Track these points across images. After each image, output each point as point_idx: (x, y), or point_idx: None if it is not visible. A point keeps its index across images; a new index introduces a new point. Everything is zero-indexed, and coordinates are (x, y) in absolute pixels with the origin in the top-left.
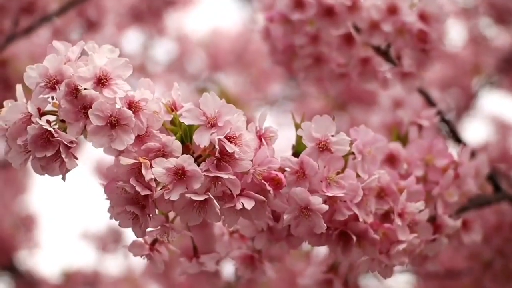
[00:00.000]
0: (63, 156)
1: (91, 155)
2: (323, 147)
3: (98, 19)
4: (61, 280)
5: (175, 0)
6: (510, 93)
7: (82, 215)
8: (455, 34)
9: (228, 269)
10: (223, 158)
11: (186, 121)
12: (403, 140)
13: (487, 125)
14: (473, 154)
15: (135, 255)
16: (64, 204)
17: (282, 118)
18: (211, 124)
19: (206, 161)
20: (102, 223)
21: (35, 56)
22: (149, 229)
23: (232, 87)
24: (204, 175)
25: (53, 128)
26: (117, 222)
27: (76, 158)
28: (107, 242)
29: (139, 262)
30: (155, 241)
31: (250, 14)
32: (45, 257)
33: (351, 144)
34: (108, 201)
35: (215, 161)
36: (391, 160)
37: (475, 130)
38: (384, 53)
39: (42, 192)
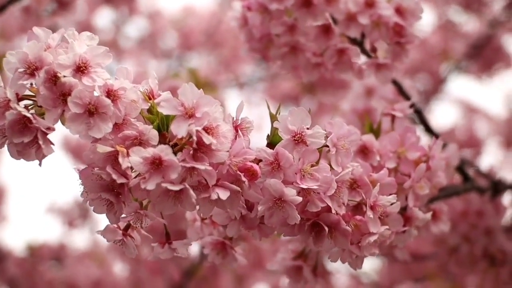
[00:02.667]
0: (40, 142)
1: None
2: (298, 140)
3: None
4: (26, 253)
5: None
6: (477, 78)
7: (49, 189)
8: (424, 19)
9: (193, 249)
10: (200, 149)
11: (164, 111)
12: (376, 131)
13: (455, 109)
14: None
15: (108, 240)
16: (32, 177)
17: (253, 97)
18: (189, 115)
19: (182, 151)
20: (69, 197)
21: (6, 35)
22: (123, 216)
23: (203, 66)
24: (181, 165)
25: (32, 115)
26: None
27: (53, 144)
28: (74, 217)
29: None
30: (128, 227)
31: None
32: (12, 230)
33: (326, 137)
34: (83, 186)
35: (191, 152)
36: (364, 151)
37: (443, 114)
38: (359, 45)
39: (9, 166)
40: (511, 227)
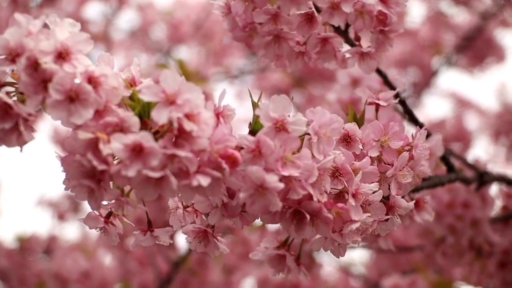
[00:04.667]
0: (21, 128)
1: (49, 123)
2: (280, 127)
3: None
4: (15, 245)
5: None
6: (469, 72)
7: (39, 182)
8: (415, 11)
9: (182, 241)
10: (181, 136)
11: (145, 97)
12: (360, 120)
13: (447, 102)
14: (428, 134)
15: (90, 228)
16: (22, 170)
17: (244, 90)
18: (170, 102)
19: (163, 138)
20: (60, 190)
21: None
22: (104, 202)
23: (193, 59)
24: (162, 152)
25: (13, 101)
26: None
27: (34, 131)
28: (64, 210)
29: (95, 231)
30: (109, 214)
31: None
32: (3, 223)
33: (308, 124)
34: (64, 173)
35: (172, 138)
36: (347, 140)
37: (435, 107)
38: (343, 34)
39: None
40: (498, 218)
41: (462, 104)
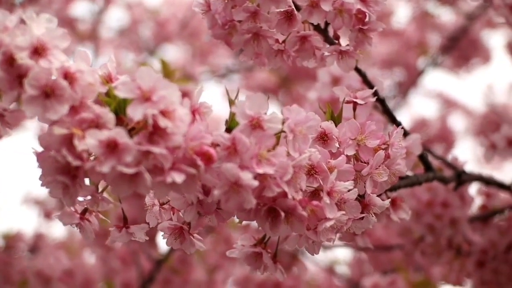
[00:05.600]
0: None
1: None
2: (255, 125)
3: None
4: (1, 243)
5: None
6: (454, 73)
7: (26, 180)
8: (401, 11)
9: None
10: (156, 132)
11: (121, 94)
12: (337, 118)
13: (433, 102)
14: (407, 133)
15: (65, 224)
16: (8, 168)
17: (231, 89)
18: (146, 98)
19: (138, 134)
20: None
21: None
22: (80, 199)
23: (180, 58)
24: (136, 148)
25: None
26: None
27: (11, 126)
28: (51, 208)
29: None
30: (85, 211)
31: None
32: None
33: (283, 122)
34: (40, 169)
35: (147, 135)
36: (324, 138)
37: (421, 107)
38: (322, 32)
39: None
40: (476, 217)
41: (449, 104)
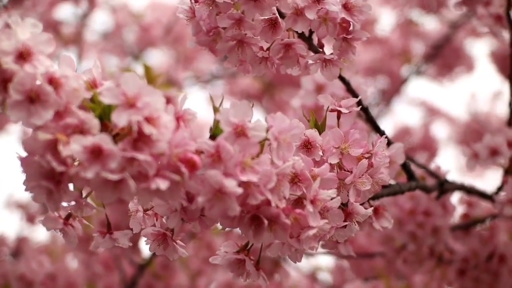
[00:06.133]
0: None
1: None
2: (240, 132)
3: None
4: None
5: None
6: (437, 80)
7: (9, 183)
8: (385, 19)
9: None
10: (141, 139)
11: (106, 99)
12: (321, 127)
13: (416, 110)
14: (390, 142)
15: (48, 229)
16: None
17: (215, 94)
18: (130, 105)
19: (123, 141)
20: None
21: None
22: (64, 204)
23: (164, 63)
24: (121, 155)
25: None
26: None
27: None
28: (34, 212)
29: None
30: (69, 216)
31: None
32: None
33: (267, 130)
34: (24, 174)
35: (132, 141)
36: (307, 146)
37: (405, 114)
38: (307, 40)
39: None
40: (458, 226)
41: (432, 112)
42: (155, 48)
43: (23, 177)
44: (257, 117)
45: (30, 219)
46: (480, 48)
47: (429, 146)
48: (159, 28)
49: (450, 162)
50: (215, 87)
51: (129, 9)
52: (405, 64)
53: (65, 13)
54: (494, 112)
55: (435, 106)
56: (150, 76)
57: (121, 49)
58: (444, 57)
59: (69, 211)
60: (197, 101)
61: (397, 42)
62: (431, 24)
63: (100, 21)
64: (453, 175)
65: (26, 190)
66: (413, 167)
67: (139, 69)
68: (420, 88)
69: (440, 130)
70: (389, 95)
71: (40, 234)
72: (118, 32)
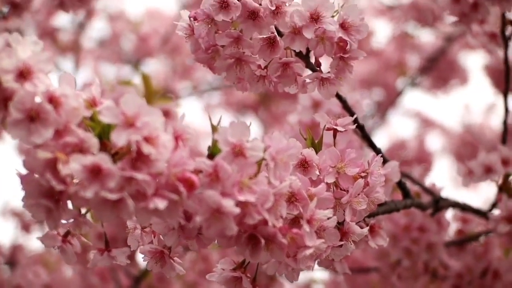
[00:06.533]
0: None
1: None
2: (238, 152)
3: (22, 1)
4: None
5: None
6: (432, 94)
7: (4, 191)
8: (380, 31)
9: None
10: (139, 158)
11: (105, 119)
12: (318, 145)
13: (411, 121)
14: (385, 160)
15: (47, 246)
16: None
17: (212, 102)
18: (129, 124)
19: (122, 160)
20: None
21: None
22: (63, 221)
23: (161, 72)
24: (120, 174)
25: None
26: None
27: None
28: (29, 220)
29: None
30: (67, 233)
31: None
32: None
33: (265, 150)
34: (23, 192)
35: (131, 161)
36: (304, 165)
37: (400, 126)
38: (304, 58)
39: None
40: (453, 242)
41: (426, 123)
42: (153, 58)
43: (22, 194)
44: (253, 128)
45: (25, 227)
46: (474, 61)
47: (424, 159)
48: (157, 38)
49: (444, 173)
50: (211, 98)
51: (126, 16)
52: (400, 76)
53: (62, 20)
54: (488, 124)
55: (429, 117)
56: (149, 88)
57: (118, 57)
58: (439, 70)
59: (68, 229)
60: (194, 111)
61: (393, 54)
62: (426, 37)
63: (97, 28)
64: (447, 186)
65: (25, 207)
66: (408, 182)
67: (137, 79)
68: (415, 99)
69: (434, 141)
70: (384, 107)
71: (35, 242)
72: (115, 40)
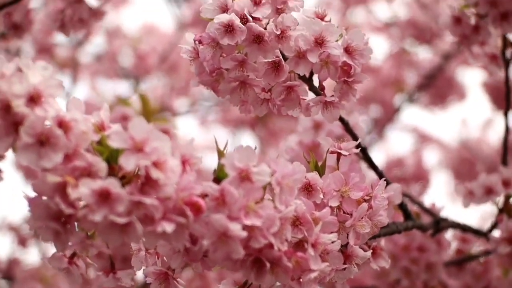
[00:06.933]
0: None
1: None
2: (244, 177)
3: (23, 23)
4: None
5: (101, 11)
6: (430, 110)
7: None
8: (378, 48)
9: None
10: (148, 183)
11: (114, 143)
12: (321, 168)
13: (409, 137)
14: (387, 182)
15: (54, 267)
16: None
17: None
18: (138, 149)
19: (130, 184)
20: (21, 215)
21: None
22: (69, 243)
23: (158, 89)
24: (128, 198)
25: None
26: None
27: (2, 171)
28: (26, 235)
29: None
30: (73, 255)
31: (178, 16)
32: None
33: (271, 175)
34: (31, 214)
35: (139, 185)
36: (308, 189)
37: (397, 142)
38: (307, 81)
39: None
40: (452, 262)
41: (423, 138)
42: (150, 76)
43: (30, 215)
44: (251, 145)
45: (22, 241)
46: (472, 76)
47: (422, 176)
48: (155, 57)
49: (441, 188)
50: (208, 113)
51: (123, 31)
52: (398, 93)
53: (60, 37)
54: (485, 139)
55: (426, 132)
56: (146, 107)
57: (115, 72)
58: (437, 87)
59: (74, 250)
60: (190, 125)
61: (390, 71)
62: (424, 54)
63: (94, 43)
64: (444, 201)
65: (30, 229)
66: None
67: (135, 97)
68: (413, 115)
69: (431, 156)
70: (381, 124)
71: (31, 256)
72: (112, 55)
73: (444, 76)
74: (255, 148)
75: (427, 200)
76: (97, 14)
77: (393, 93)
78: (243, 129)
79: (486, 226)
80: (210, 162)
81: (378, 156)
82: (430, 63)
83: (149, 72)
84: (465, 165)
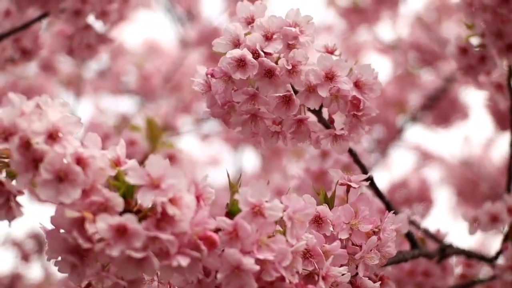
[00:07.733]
0: (12, 204)
1: None
2: (257, 212)
3: (33, 49)
4: None
5: (109, 38)
6: (432, 128)
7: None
8: (381, 70)
9: None
10: (163, 219)
11: (131, 180)
12: (330, 200)
13: (412, 156)
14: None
15: None
16: None
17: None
18: (155, 186)
19: (147, 220)
20: (24, 230)
21: None
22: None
23: (162, 110)
24: (145, 234)
25: (5, 178)
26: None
27: (22, 206)
28: (29, 250)
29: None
30: (89, 285)
31: (182, 35)
32: None
33: (283, 210)
34: (48, 247)
35: (155, 221)
36: (318, 221)
37: (400, 161)
38: (317, 113)
39: None
40: (456, 287)
41: (426, 156)
42: (154, 96)
43: (47, 248)
44: (252, 161)
45: (25, 257)
46: (475, 96)
47: (425, 197)
48: (159, 78)
49: (443, 205)
50: (210, 130)
51: (126, 48)
52: (400, 114)
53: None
54: (487, 156)
55: (428, 151)
56: (153, 130)
57: (118, 88)
58: (440, 108)
59: (89, 281)
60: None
61: (393, 92)
62: (427, 76)
63: (98, 60)
64: (446, 217)
65: (49, 260)
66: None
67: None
68: (415, 133)
69: (434, 173)
70: (384, 144)
71: (34, 271)
72: (115, 73)
73: (448, 98)
74: (268, 182)
75: (431, 218)
76: (105, 40)
77: (396, 114)
78: (246, 146)
79: (486, 241)
80: (212, 177)
81: (382, 175)
82: (433, 84)
83: (153, 93)
84: (467, 183)
